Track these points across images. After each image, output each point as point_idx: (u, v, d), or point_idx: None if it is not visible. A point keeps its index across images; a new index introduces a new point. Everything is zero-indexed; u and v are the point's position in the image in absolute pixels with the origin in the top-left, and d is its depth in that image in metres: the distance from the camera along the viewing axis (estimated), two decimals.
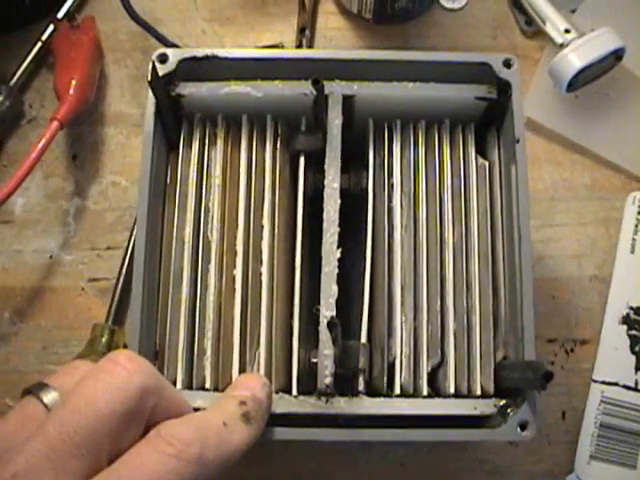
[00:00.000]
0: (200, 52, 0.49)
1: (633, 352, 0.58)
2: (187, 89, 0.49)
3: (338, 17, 0.67)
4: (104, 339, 0.57)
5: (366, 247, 0.48)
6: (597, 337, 0.59)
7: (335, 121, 0.48)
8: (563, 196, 0.62)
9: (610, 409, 0.57)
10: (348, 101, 0.49)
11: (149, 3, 0.67)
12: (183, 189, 0.49)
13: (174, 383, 0.45)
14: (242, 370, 0.46)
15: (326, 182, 0.47)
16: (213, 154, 0.49)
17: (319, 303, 0.45)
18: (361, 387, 0.45)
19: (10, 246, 0.62)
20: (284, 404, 0.44)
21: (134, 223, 0.59)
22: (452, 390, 0.46)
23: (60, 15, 0.65)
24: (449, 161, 0.50)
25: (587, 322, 0.59)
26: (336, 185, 0.47)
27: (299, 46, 0.65)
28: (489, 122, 0.51)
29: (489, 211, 0.49)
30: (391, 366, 0.46)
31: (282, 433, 0.43)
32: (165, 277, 0.48)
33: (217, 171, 0.49)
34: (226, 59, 0.49)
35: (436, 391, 0.46)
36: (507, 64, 0.48)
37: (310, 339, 0.46)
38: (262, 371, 0.45)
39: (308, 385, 0.45)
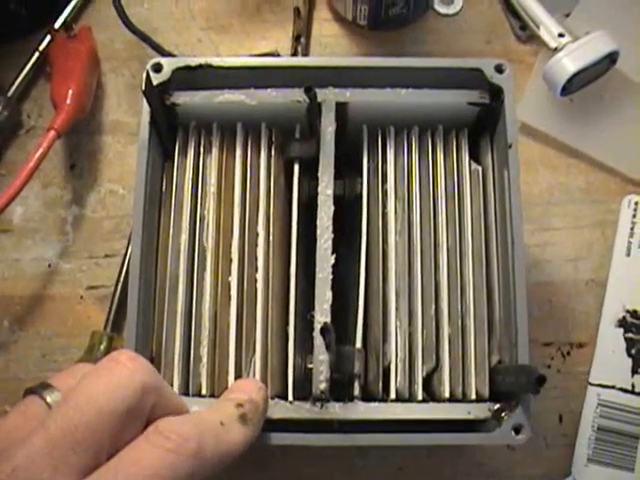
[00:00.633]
0: (194, 61, 0.49)
1: (629, 355, 0.58)
2: (182, 98, 0.50)
3: (333, 24, 0.68)
4: (103, 346, 0.57)
5: (361, 253, 0.48)
6: (593, 340, 0.59)
7: (328, 128, 0.48)
8: (559, 200, 0.63)
9: (607, 412, 0.57)
10: (341, 108, 0.49)
11: (145, 12, 0.67)
12: (179, 197, 0.49)
13: None
14: (238, 376, 0.46)
15: (320, 189, 0.47)
16: (208, 162, 0.50)
17: (314, 309, 0.45)
18: (356, 392, 0.45)
19: (9, 255, 0.62)
20: (279, 410, 0.44)
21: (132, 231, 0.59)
22: (447, 394, 0.46)
23: (57, 25, 0.66)
24: (443, 166, 0.50)
25: (583, 325, 0.59)
26: (330, 192, 0.47)
27: (294, 53, 0.65)
28: (482, 127, 0.51)
29: (483, 216, 0.49)
30: (386, 371, 0.46)
31: (278, 438, 0.44)
32: (161, 284, 0.48)
33: (212, 179, 0.49)
34: (220, 68, 0.49)
35: (431, 395, 0.47)
36: (499, 69, 0.49)
37: (305, 345, 0.47)
38: (258, 377, 0.46)
39: (305, 391, 0.45)
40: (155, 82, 0.48)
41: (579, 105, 0.64)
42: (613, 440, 0.56)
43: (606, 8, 0.66)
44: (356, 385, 0.45)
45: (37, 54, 0.65)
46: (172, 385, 0.46)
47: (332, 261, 0.46)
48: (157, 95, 0.48)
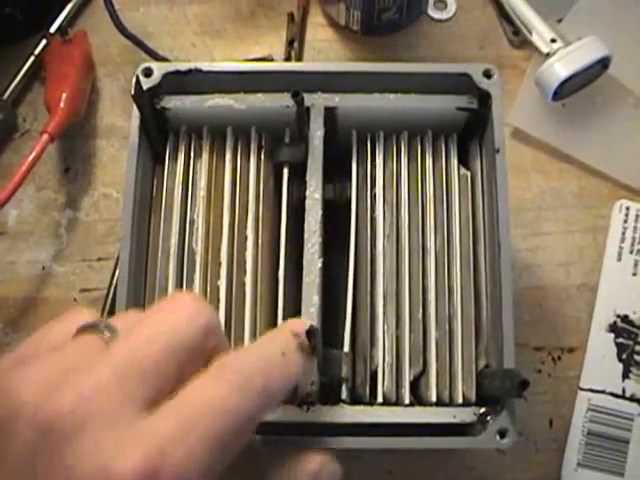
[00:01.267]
0: (184, 66, 0.49)
1: (620, 360, 0.58)
2: (172, 102, 0.50)
3: (327, 29, 0.68)
4: None
5: (349, 257, 0.48)
6: (584, 345, 0.59)
7: (317, 133, 0.49)
8: (550, 205, 0.63)
9: (597, 417, 0.57)
10: (330, 113, 0.50)
11: (140, 17, 0.68)
12: (169, 201, 0.49)
13: None
14: None
15: (308, 193, 0.48)
16: (198, 166, 0.50)
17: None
18: (344, 396, 0.45)
19: (3, 257, 0.62)
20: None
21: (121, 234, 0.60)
22: (434, 398, 0.46)
23: (52, 30, 0.66)
24: (431, 171, 0.50)
25: (574, 330, 0.59)
26: (318, 196, 0.48)
27: (288, 58, 0.65)
28: (471, 132, 0.51)
29: (471, 220, 0.49)
30: (374, 375, 0.47)
31: (265, 441, 0.44)
32: (151, 287, 0.48)
33: (202, 183, 0.49)
34: (209, 72, 0.49)
35: (418, 399, 0.47)
36: (487, 74, 0.49)
37: None
38: None
39: (293, 394, 0.45)
40: (145, 87, 0.49)
41: (571, 110, 0.64)
42: (603, 445, 0.56)
43: (598, 14, 0.67)
44: (344, 389, 0.45)
45: (32, 58, 0.66)
46: None
47: (319, 265, 0.46)
48: (147, 99, 0.49)
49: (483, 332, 0.48)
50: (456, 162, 0.51)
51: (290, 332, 0.38)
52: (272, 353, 0.36)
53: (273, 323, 0.47)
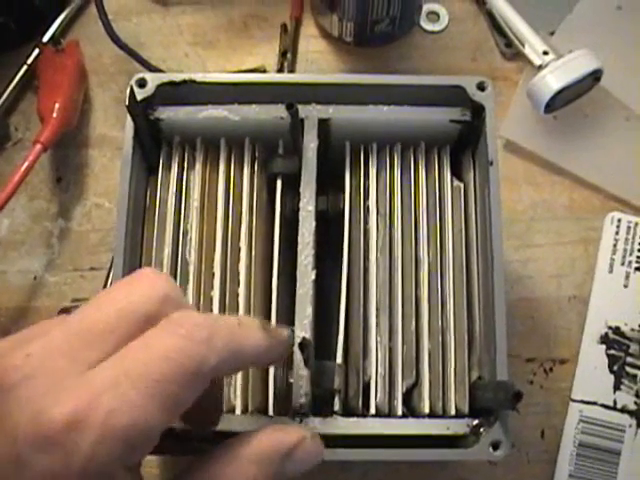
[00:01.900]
0: (178, 76, 0.49)
1: (612, 371, 0.58)
2: (165, 113, 0.50)
3: (320, 40, 0.68)
4: None
5: (342, 269, 0.48)
6: (576, 357, 0.59)
7: (310, 144, 0.49)
8: (542, 216, 0.63)
9: (589, 428, 0.57)
10: (324, 124, 0.50)
11: (134, 27, 0.68)
12: (162, 212, 0.49)
13: None
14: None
15: (301, 205, 0.48)
16: (192, 177, 0.50)
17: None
18: (337, 407, 0.45)
19: None
20: (259, 424, 0.44)
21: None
22: (427, 410, 0.46)
23: (45, 39, 0.66)
24: (424, 183, 0.50)
25: (566, 342, 0.60)
26: (311, 208, 0.48)
27: (280, 69, 0.65)
28: (464, 144, 0.51)
29: (464, 232, 0.50)
30: (366, 386, 0.47)
31: None
32: None
33: (196, 194, 0.49)
34: (203, 84, 0.49)
35: (411, 411, 0.47)
36: (481, 87, 0.49)
37: (287, 360, 0.47)
38: (239, 391, 0.46)
39: (287, 405, 0.45)
40: (139, 97, 0.49)
41: (563, 122, 0.65)
42: (594, 456, 0.56)
43: (590, 26, 0.67)
44: (336, 400, 0.45)
45: (25, 67, 0.66)
46: None
47: (312, 277, 0.46)
48: (141, 110, 0.49)
49: (476, 343, 0.48)
50: (449, 174, 0.51)
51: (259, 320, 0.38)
52: (226, 318, 0.37)
53: None
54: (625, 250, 0.61)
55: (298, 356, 0.44)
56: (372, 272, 0.48)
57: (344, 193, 0.50)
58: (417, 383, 0.47)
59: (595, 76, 0.62)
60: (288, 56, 0.66)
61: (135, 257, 0.49)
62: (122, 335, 0.33)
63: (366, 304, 0.48)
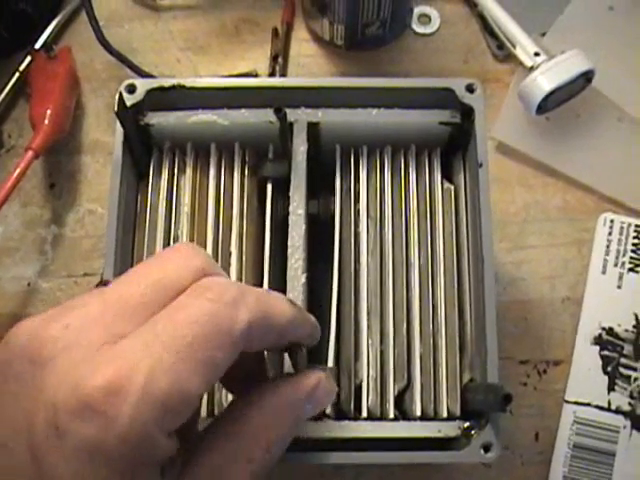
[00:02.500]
0: (167, 82, 0.49)
1: (605, 372, 0.58)
2: (155, 118, 0.50)
3: (311, 44, 0.68)
4: None
5: (333, 272, 0.48)
6: (569, 358, 0.59)
7: (300, 148, 0.49)
8: (535, 218, 0.63)
9: (583, 429, 0.57)
10: (313, 128, 0.50)
11: (125, 33, 0.68)
12: (153, 217, 0.49)
13: None
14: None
15: (291, 208, 0.48)
16: (182, 182, 0.50)
17: None
18: (328, 410, 0.45)
19: None
20: None
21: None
22: (419, 413, 0.46)
23: (37, 46, 0.66)
24: (415, 186, 0.50)
25: (559, 343, 0.59)
26: (301, 211, 0.48)
27: (272, 73, 0.65)
28: (455, 146, 0.51)
29: (455, 235, 0.50)
30: (358, 389, 0.47)
31: None
32: None
33: (186, 199, 0.49)
34: (193, 89, 0.49)
35: (403, 414, 0.47)
36: (470, 89, 0.49)
37: (278, 363, 0.47)
38: (230, 396, 0.46)
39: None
40: (129, 103, 0.49)
41: (555, 124, 0.65)
42: (589, 457, 0.56)
43: (582, 28, 0.67)
44: None
45: (17, 74, 0.66)
46: None
47: (303, 280, 0.46)
48: (131, 116, 0.49)
49: (467, 346, 0.48)
50: (439, 176, 0.51)
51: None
52: (256, 288, 0.37)
53: None
54: (618, 251, 0.61)
55: (287, 361, 0.44)
56: (363, 275, 0.48)
57: (335, 196, 0.50)
58: (409, 386, 0.47)
59: (587, 77, 0.62)
60: (280, 60, 0.66)
61: (126, 263, 0.49)
62: (156, 307, 0.33)
63: (357, 307, 0.48)
